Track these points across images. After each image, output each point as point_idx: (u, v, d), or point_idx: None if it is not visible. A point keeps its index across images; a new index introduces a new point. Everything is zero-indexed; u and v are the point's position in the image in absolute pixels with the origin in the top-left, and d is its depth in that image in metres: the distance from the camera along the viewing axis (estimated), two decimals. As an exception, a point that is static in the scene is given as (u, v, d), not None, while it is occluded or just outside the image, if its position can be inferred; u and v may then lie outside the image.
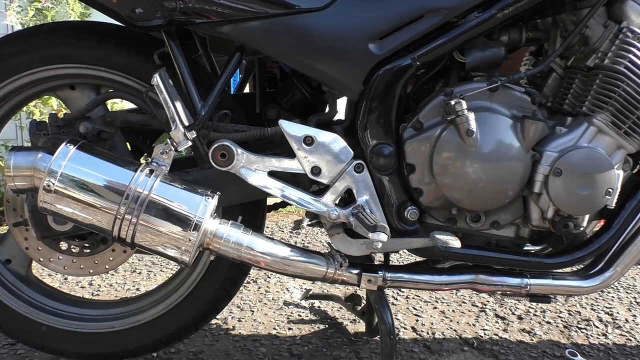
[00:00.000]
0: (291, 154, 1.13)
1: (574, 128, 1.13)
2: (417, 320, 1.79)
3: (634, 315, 1.88)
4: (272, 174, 1.15)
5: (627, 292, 2.08)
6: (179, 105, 1.10)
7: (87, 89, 1.28)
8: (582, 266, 1.28)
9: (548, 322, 1.81)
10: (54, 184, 1.03)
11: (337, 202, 1.16)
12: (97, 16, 1.30)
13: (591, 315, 1.87)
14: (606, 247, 1.19)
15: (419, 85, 1.23)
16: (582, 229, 1.17)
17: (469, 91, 1.10)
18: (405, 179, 1.17)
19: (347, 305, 1.72)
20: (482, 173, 1.11)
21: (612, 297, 2.03)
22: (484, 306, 1.91)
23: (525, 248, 1.25)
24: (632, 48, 1.09)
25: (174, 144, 1.11)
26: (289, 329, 1.72)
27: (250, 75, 1.61)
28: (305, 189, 1.17)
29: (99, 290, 2.00)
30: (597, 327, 1.78)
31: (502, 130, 1.11)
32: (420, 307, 1.90)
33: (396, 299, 1.95)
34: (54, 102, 2.93)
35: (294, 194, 1.15)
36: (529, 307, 1.91)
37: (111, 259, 1.31)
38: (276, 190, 1.15)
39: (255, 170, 1.14)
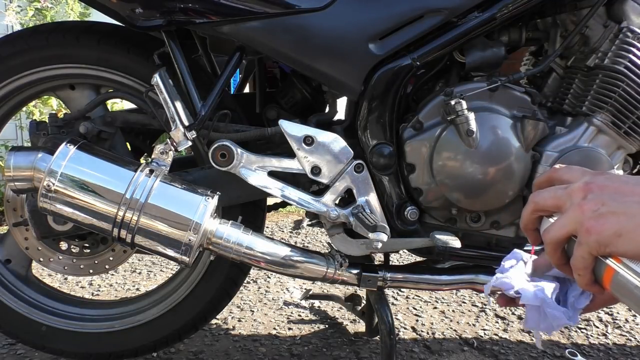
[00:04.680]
0: (291, 154, 1.13)
1: (574, 128, 1.13)
2: (417, 320, 1.79)
3: (634, 315, 1.88)
4: (272, 174, 1.15)
5: (627, 292, 2.08)
6: (179, 105, 1.10)
7: (87, 89, 1.28)
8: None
9: (548, 322, 1.80)
10: (54, 184, 1.03)
11: (337, 202, 1.16)
12: (97, 16, 1.30)
13: (591, 315, 1.86)
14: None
15: (419, 85, 1.23)
16: (582, 229, 1.17)
17: (469, 91, 1.10)
18: (405, 179, 1.17)
19: (347, 305, 1.72)
20: (482, 173, 1.11)
21: (612, 297, 2.03)
22: (484, 306, 1.91)
23: (525, 248, 1.24)
24: (632, 48, 1.09)
25: (174, 144, 1.11)
26: (289, 329, 1.72)
27: (250, 75, 1.61)
28: (305, 189, 1.17)
29: (99, 290, 2.00)
30: (597, 327, 1.78)
31: (502, 130, 1.11)
32: (420, 307, 1.90)
33: (396, 299, 1.95)
34: (54, 102, 2.93)
35: (294, 194, 1.15)
36: (529, 307, 1.91)
37: (111, 259, 1.31)
38: (276, 190, 1.15)
39: (255, 170, 1.14)
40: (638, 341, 1.70)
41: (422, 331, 1.72)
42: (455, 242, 1.12)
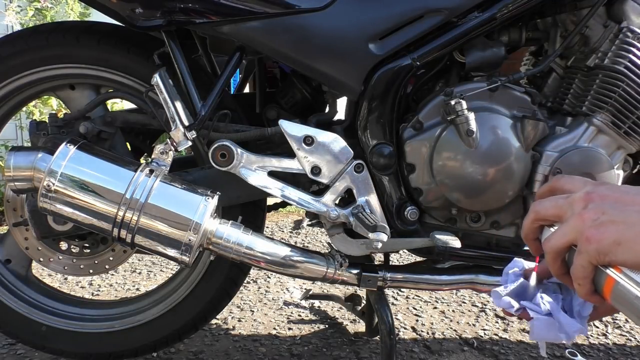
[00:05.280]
0: (291, 154, 1.13)
1: (574, 128, 1.13)
2: (417, 320, 1.79)
3: (634, 315, 1.88)
4: (272, 174, 1.15)
5: (627, 292, 2.07)
6: (179, 105, 1.10)
7: (87, 89, 1.28)
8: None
9: (548, 322, 1.80)
10: (54, 184, 1.03)
11: (337, 202, 1.16)
12: (97, 16, 1.30)
13: (591, 315, 1.86)
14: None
15: (419, 85, 1.23)
16: (582, 229, 1.16)
17: (469, 91, 1.10)
18: (405, 179, 1.17)
19: (347, 305, 1.72)
20: (482, 173, 1.11)
21: (612, 297, 2.03)
22: (484, 306, 1.91)
23: (525, 248, 1.25)
24: (632, 48, 1.09)
25: (174, 144, 1.11)
26: (289, 329, 1.72)
27: (250, 75, 1.61)
28: (305, 189, 1.17)
29: (99, 290, 2.00)
30: (597, 327, 1.78)
31: (502, 130, 1.11)
32: (420, 307, 1.90)
33: (396, 299, 1.95)
34: (54, 102, 2.93)
35: (294, 194, 1.15)
36: (529, 307, 1.91)
37: (111, 259, 1.31)
38: (276, 190, 1.15)
39: (255, 170, 1.14)
40: (638, 341, 1.70)
41: (422, 331, 1.72)
42: (455, 242, 1.12)
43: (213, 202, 1.08)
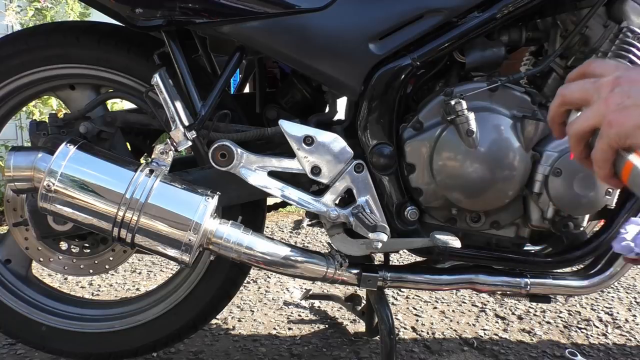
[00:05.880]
0: (291, 154, 1.13)
1: (574, 128, 1.13)
2: (417, 320, 1.79)
3: (634, 315, 1.88)
4: (272, 174, 1.15)
5: (627, 292, 2.08)
6: (179, 105, 1.10)
7: (87, 89, 1.28)
8: (582, 266, 1.28)
9: (548, 322, 1.81)
10: (54, 184, 1.03)
11: (337, 202, 1.16)
12: (97, 16, 1.30)
13: (591, 315, 1.87)
14: (606, 246, 1.19)
15: (419, 85, 1.23)
16: (582, 228, 1.17)
17: (469, 91, 1.10)
18: (405, 179, 1.17)
19: (347, 305, 1.72)
20: (482, 173, 1.11)
21: (612, 297, 2.03)
22: (484, 306, 1.91)
23: (525, 248, 1.25)
24: (632, 48, 1.08)
25: (174, 144, 1.11)
26: (289, 329, 1.72)
27: (250, 75, 1.61)
28: (305, 189, 1.17)
29: (99, 290, 2.00)
30: (597, 327, 1.78)
31: (502, 130, 1.11)
32: (420, 307, 1.90)
33: (396, 299, 1.95)
34: (54, 102, 2.93)
35: (294, 194, 1.15)
36: (529, 307, 1.91)
37: (111, 259, 1.31)
38: (276, 190, 1.15)
39: (255, 170, 1.14)
40: (638, 341, 1.70)
41: (422, 331, 1.72)
42: (455, 242, 1.12)
43: (213, 202, 1.08)
